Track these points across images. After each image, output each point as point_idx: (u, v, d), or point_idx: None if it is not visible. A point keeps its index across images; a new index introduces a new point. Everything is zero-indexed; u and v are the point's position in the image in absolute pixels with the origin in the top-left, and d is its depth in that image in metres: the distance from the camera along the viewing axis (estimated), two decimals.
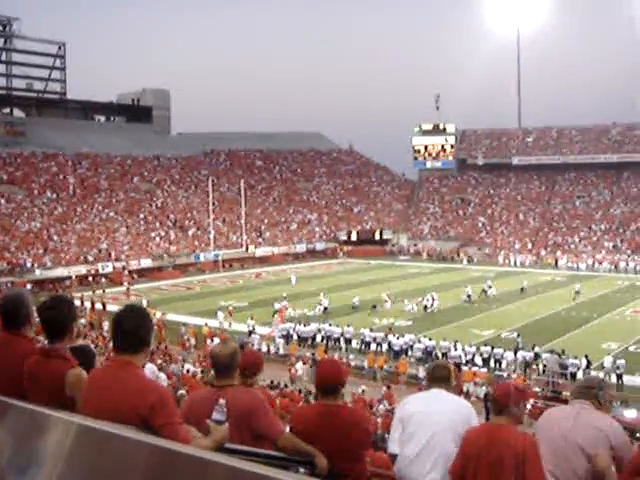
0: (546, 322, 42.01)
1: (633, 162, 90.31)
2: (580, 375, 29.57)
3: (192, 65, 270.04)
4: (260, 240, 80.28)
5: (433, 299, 46.38)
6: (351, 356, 33.71)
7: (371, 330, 37.20)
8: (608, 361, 30.73)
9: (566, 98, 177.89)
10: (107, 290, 55.16)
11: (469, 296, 49.55)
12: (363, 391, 26.92)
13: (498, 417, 4.42)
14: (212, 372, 4.99)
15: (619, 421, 19.11)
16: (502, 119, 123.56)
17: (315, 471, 4.14)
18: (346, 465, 4.51)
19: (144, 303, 40.67)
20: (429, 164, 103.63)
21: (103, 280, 60.70)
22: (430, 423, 4.71)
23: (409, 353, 34.36)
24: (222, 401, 3.92)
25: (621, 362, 30.22)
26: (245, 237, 77.25)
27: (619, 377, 29.25)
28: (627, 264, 70.12)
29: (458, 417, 4.75)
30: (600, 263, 71.61)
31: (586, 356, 30.62)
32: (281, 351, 35.68)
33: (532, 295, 52.69)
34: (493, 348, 33.21)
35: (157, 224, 76.72)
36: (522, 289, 53.68)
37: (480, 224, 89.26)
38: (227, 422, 3.80)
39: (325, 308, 44.39)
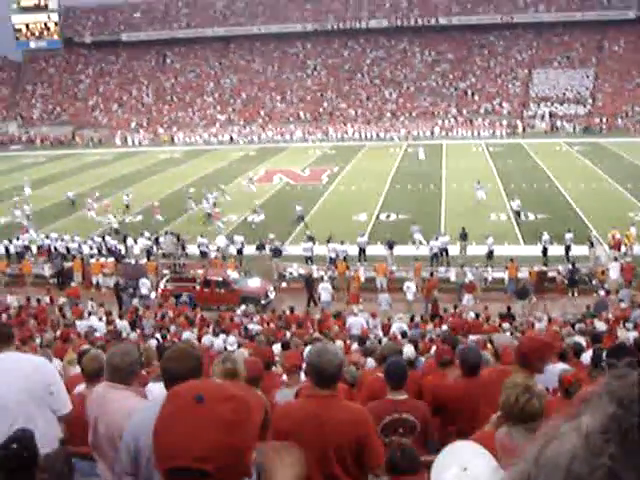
0: (168, 202, 42.35)
1: (239, 35, 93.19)
2: (215, 255, 30.73)
3: None
4: None
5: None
6: None
7: None
8: (221, 241, 31.94)
9: None
10: None
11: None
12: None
13: None
14: None
15: (245, 291, 19.89)
16: None
17: None
18: None
19: None
20: (33, 44, 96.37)
21: None
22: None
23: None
24: None
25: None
26: None
27: (276, 253, 30.33)
28: (249, 136, 73.48)
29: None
30: (215, 136, 74.19)
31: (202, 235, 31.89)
32: None
33: (151, 175, 52.93)
34: (126, 238, 32.72)
35: None
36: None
37: (93, 105, 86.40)
38: None
39: None
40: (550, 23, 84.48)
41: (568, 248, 28.67)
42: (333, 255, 29.54)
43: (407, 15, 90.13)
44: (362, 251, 30.04)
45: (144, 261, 30.47)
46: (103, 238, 32.95)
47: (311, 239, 30.68)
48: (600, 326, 16.00)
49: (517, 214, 34.70)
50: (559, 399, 5.65)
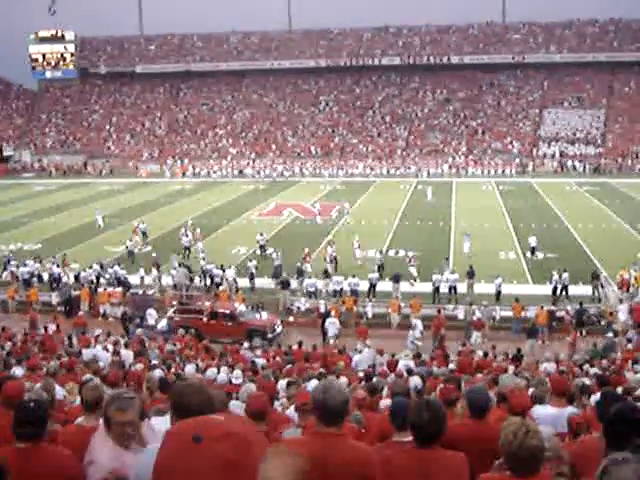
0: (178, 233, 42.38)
1: (252, 69, 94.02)
2: (226, 285, 30.73)
3: None
4: None
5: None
6: None
7: None
8: (230, 273, 31.64)
9: (188, 5, 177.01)
10: None
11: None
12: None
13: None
14: None
15: (252, 324, 19.80)
16: (123, 25, 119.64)
17: None
18: None
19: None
20: (49, 74, 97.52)
21: None
22: None
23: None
24: None
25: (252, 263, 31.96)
26: None
27: (284, 285, 30.25)
28: (260, 170, 73.75)
29: None
30: (227, 169, 74.50)
31: (221, 266, 31.84)
32: None
33: (162, 206, 53.18)
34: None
35: None
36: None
37: (106, 135, 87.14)
38: None
39: None
40: (561, 64, 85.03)
41: (565, 288, 28.71)
42: (338, 288, 29.69)
43: (419, 53, 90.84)
44: (372, 287, 29.97)
45: (151, 292, 30.52)
46: (102, 267, 33.00)
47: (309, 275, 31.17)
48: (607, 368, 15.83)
49: (532, 251, 34.62)
50: (567, 444, 5.55)
